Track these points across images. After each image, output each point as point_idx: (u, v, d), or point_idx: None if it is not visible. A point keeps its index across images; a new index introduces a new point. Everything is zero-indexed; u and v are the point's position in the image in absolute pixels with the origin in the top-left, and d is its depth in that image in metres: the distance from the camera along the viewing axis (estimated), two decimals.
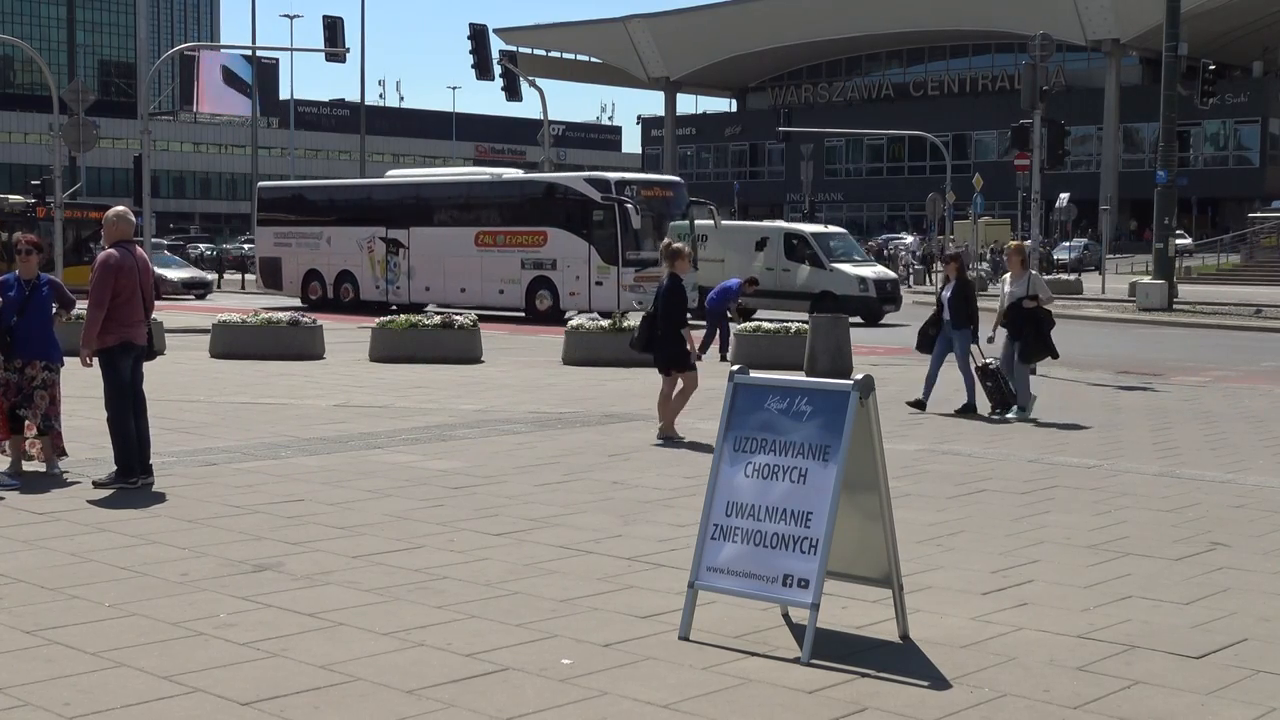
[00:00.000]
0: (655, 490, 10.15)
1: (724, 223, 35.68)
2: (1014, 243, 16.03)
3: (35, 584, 7.15)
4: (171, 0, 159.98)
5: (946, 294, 15.30)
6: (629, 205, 30.78)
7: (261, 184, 43.27)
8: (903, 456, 11.60)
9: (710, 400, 15.37)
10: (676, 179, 36.17)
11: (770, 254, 33.67)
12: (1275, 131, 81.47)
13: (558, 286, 32.83)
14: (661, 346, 12.82)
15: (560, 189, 33.41)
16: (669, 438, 12.60)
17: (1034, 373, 16.07)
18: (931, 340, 15.34)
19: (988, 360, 15.07)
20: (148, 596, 6.92)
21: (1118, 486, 10.60)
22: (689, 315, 13.08)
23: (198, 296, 44.17)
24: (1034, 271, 15.52)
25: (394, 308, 33.23)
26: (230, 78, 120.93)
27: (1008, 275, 15.43)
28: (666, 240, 14.24)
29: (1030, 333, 14.85)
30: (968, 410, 14.96)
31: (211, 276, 49.54)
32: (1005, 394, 14.70)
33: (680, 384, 12.81)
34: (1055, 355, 15.33)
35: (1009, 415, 14.66)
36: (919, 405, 15.17)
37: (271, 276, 39.85)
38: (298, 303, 37.05)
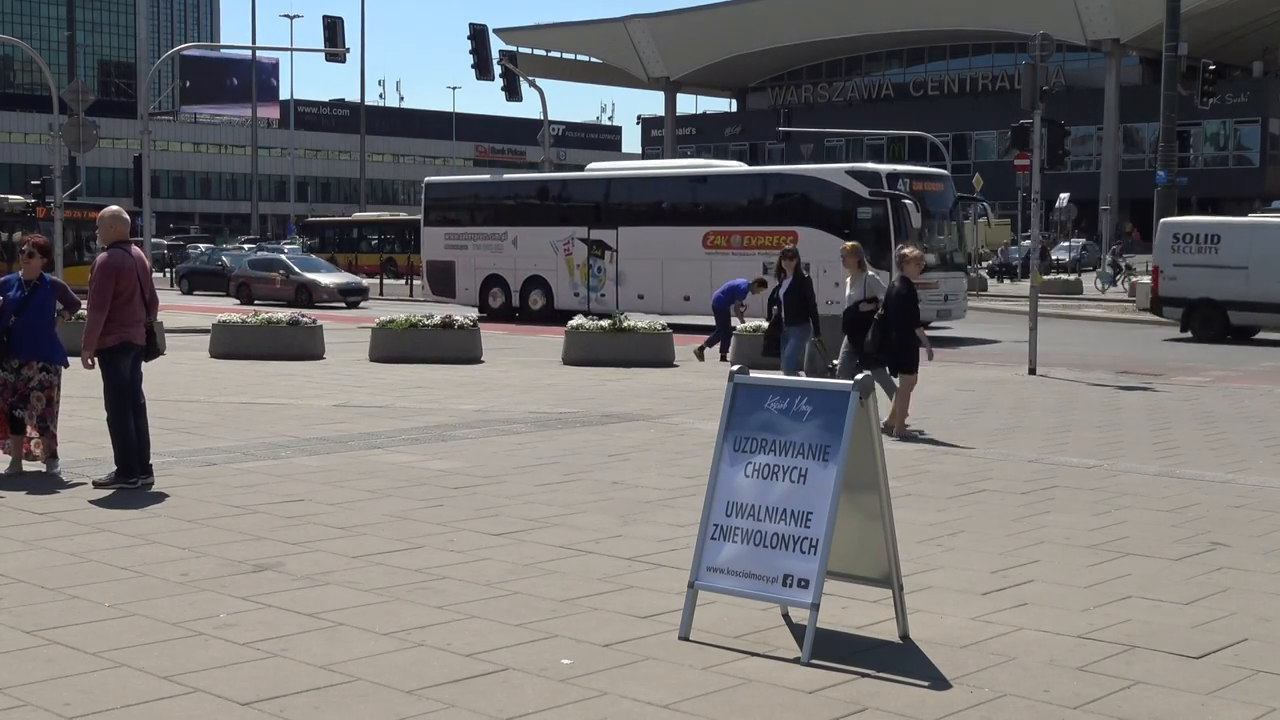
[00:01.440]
0: (655, 490, 10.15)
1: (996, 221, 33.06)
2: (849, 244, 14.63)
3: (35, 584, 7.15)
4: (171, 0, 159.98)
5: (782, 290, 14.69)
6: (907, 202, 26.94)
7: (430, 179, 38.57)
8: (903, 456, 11.59)
9: (710, 400, 15.37)
10: (943, 171, 32.24)
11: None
12: (1275, 131, 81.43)
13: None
14: (896, 349, 13.21)
15: (815, 183, 29.64)
16: (906, 435, 13.06)
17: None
18: (778, 343, 14.67)
19: (830, 364, 14.62)
20: (148, 596, 6.92)
21: (1118, 486, 10.59)
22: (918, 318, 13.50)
23: (350, 304, 39.73)
24: (871, 273, 14.33)
25: (595, 318, 30.36)
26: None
27: (848, 278, 14.09)
28: (900, 246, 15.04)
29: (866, 338, 13.49)
30: None
31: (367, 282, 44.89)
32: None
33: (898, 383, 13.36)
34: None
35: None
36: None
37: (442, 283, 35.38)
38: (474, 312, 32.35)
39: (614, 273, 32.10)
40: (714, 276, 29.20)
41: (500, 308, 33.51)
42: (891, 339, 13.17)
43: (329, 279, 40.78)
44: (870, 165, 30.55)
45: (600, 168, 36.27)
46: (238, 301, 39.56)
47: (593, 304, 31.56)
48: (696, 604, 6.35)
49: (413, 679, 5.68)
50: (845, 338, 13.99)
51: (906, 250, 13.51)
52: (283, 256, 45.18)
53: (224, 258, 48.84)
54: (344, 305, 39.31)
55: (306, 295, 39.11)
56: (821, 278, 26.92)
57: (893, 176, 28.21)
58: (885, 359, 13.29)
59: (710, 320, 24.00)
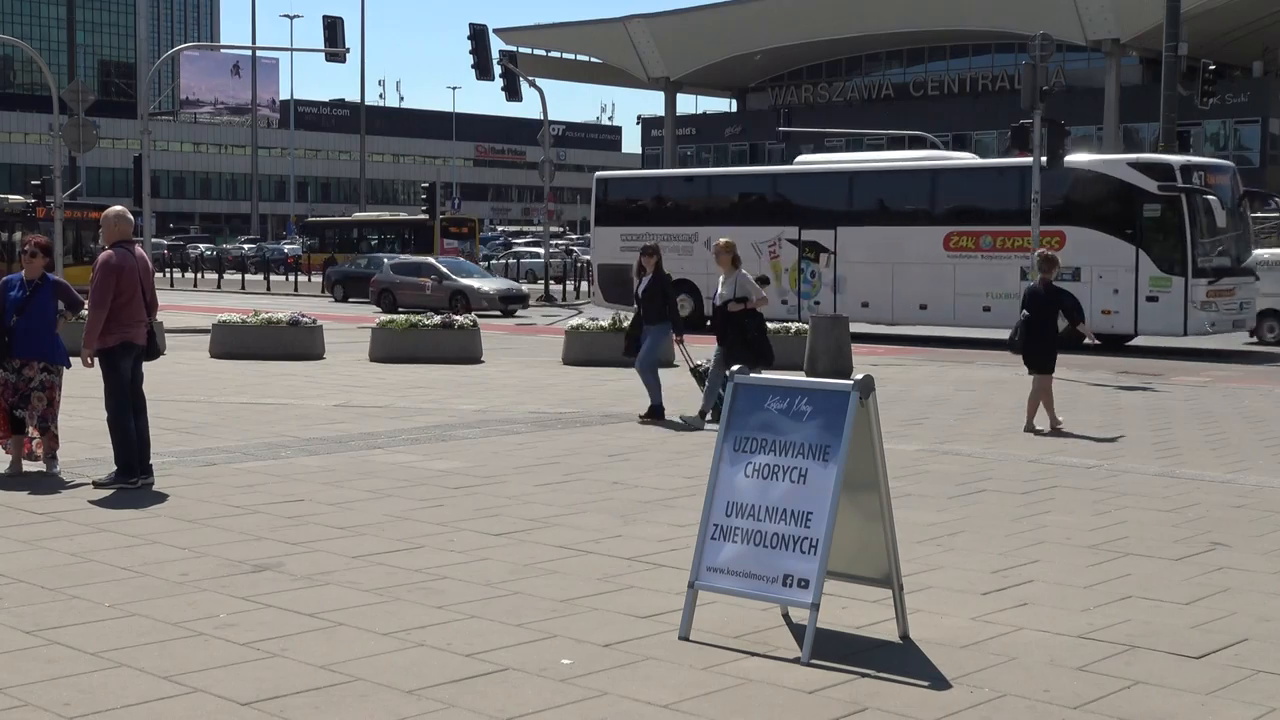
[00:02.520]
0: (655, 490, 10.15)
1: None
2: (723, 239, 14.25)
3: (35, 584, 7.15)
4: (171, 0, 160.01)
5: (641, 288, 14.36)
6: (1210, 198, 24.06)
7: (603, 174, 34.70)
8: (903, 456, 11.59)
9: None
10: (1228, 163, 28.70)
11: None
12: (1275, 131, 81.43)
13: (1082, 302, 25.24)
14: (1038, 349, 13.94)
15: (1089, 177, 26.23)
16: (1056, 430, 13.69)
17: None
18: (638, 343, 14.34)
19: (698, 362, 14.44)
20: (148, 596, 6.92)
21: (1118, 486, 10.59)
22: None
23: (505, 313, 36.02)
24: (744, 271, 13.96)
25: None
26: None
27: (721, 277, 13.85)
28: (1041, 251, 15.20)
29: (735, 338, 13.46)
30: (655, 413, 14.01)
31: (528, 288, 40.65)
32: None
33: (1035, 383, 14.08)
34: (768, 363, 13.45)
35: (677, 419, 13.72)
36: (652, 413, 14.07)
37: (618, 287, 30.48)
38: None
39: (831, 278, 28.64)
40: (959, 283, 26.82)
41: (689, 315, 27.94)
42: (1035, 339, 13.87)
43: (486, 284, 37.23)
44: (1158, 156, 27.32)
45: (815, 160, 32.95)
46: (379, 310, 34.67)
47: (804, 312, 27.36)
48: (696, 604, 6.35)
49: (413, 679, 5.68)
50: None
51: (1051, 253, 14.38)
52: (432, 260, 40.19)
53: (384, 260, 42.10)
54: (501, 314, 35.76)
55: (462, 302, 34.98)
56: (1097, 284, 24.90)
57: (1187, 169, 25.06)
58: (1028, 358, 14.04)
59: (954, 331, 22.46)
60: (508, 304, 36.46)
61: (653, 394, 14.22)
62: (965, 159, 32.03)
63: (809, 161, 32.40)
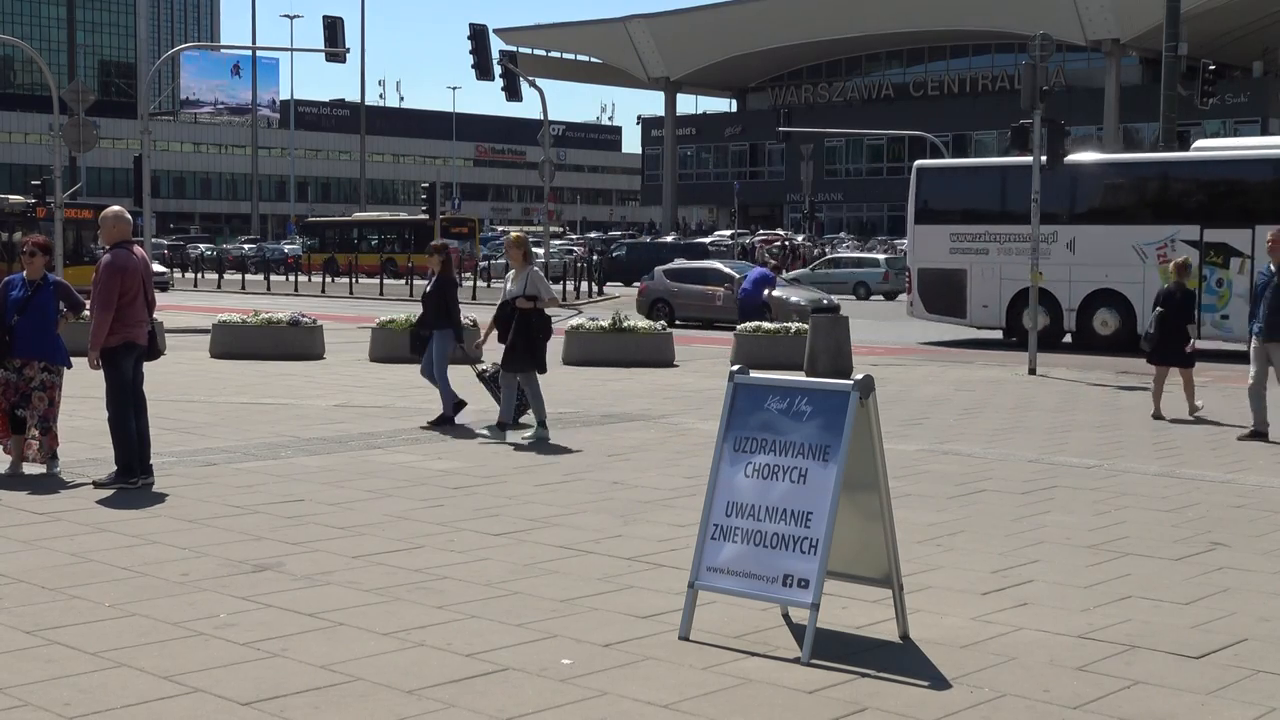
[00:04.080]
0: (655, 490, 10.15)
1: None
2: (514, 233, 13.70)
3: (35, 584, 7.15)
4: (171, 0, 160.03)
5: (425, 291, 13.98)
6: None
7: (924, 163, 30.24)
8: (903, 456, 11.59)
9: (710, 400, 15.38)
10: None
11: None
12: (1275, 131, 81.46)
13: None
14: (1181, 344, 15.32)
15: None
16: (1196, 417, 15.00)
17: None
18: (424, 342, 13.85)
19: (484, 367, 14.11)
20: (148, 596, 6.92)
21: (1118, 486, 10.60)
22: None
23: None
24: (535, 268, 13.19)
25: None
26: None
27: (512, 272, 13.24)
28: (1178, 258, 16.31)
29: (519, 337, 12.78)
30: (443, 421, 13.45)
31: (837, 298, 32.74)
32: (518, 404, 13.05)
33: (1181, 377, 15.41)
34: (542, 369, 12.99)
35: (483, 431, 12.88)
36: (442, 419, 13.56)
37: (944, 297, 27.10)
38: (995, 336, 27.05)
39: (1249, 288, 23.12)
40: None
41: (1042, 330, 22.96)
42: (1174, 336, 15.26)
43: (794, 295, 28.96)
44: None
45: (1222, 145, 27.91)
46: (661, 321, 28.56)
47: (1207, 329, 22.59)
48: (696, 604, 6.35)
49: (413, 679, 5.68)
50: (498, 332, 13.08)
51: (1183, 260, 15.92)
52: (720, 265, 33.53)
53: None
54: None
55: (765, 315, 26.54)
56: None
57: None
58: (1169, 355, 15.33)
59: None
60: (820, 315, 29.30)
61: (445, 398, 13.61)
62: None
63: (1213, 147, 27.30)
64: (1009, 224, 26.10)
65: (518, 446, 12.28)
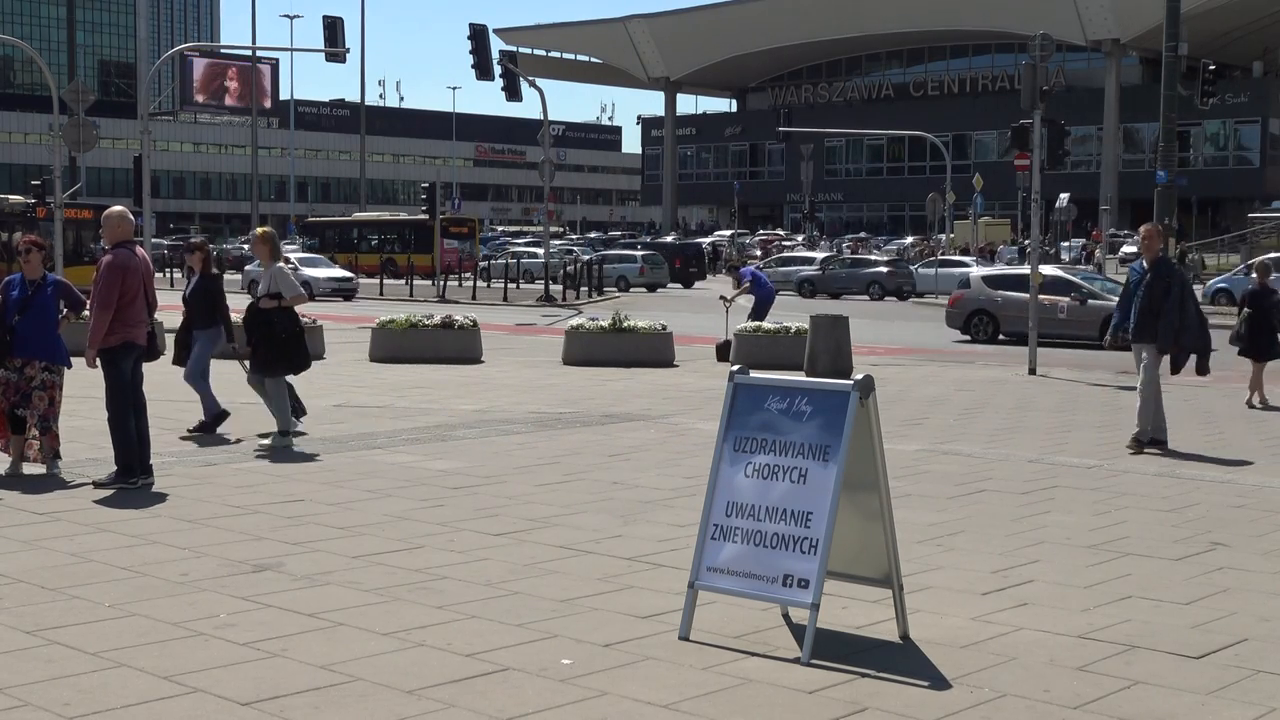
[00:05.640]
0: (655, 490, 10.15)
1: None
2: (261, 229, 12.95)
3: (35, 584, 7.15)
4: (171, 0, 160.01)
5: (187, 291, 13.33)
6: None
7: None
8: (903, 456, 11.59)
9: (710, 400, 15.38)
10: None
11: None
12: (1275, 131, 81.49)
13: None
14: (1271, 339, 16.79)
15: None
16: (1266, 405, 16.33)
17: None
18: (188, 349, 13.13)
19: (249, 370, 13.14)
20: (148, 596, 6.92)
21: (1118, 486, 10.60)
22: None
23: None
24: (281, 264, 12.55)
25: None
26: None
27: (261, 270, 12.73)
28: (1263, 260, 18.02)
29: (260, 337, 12.18)
30: (205, 429, 12.67)
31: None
32: (295, 409, 12.56)
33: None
34: (296, 369, 12.38)
35: (263, 439, 12.06)
36: (202, 427, 12.75)
37: None
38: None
39: None
40: None
41: None
42: (1264, 331, 16.64)
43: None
44: None
45: None
46: (966, 338, 27.51)
47: None
48: (696, 604, 6.35)
49: (413, 679, 5.68)
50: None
51: (1269, 259, 17.39)
52: (1059, 271, 28.92)
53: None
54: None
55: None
56: None
57: None
58: (1263, 349, 16.66)
59: None
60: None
61: (207, 405, 12.89)
62: None
63: None
64: None
65: (258, 454, 11.59)
